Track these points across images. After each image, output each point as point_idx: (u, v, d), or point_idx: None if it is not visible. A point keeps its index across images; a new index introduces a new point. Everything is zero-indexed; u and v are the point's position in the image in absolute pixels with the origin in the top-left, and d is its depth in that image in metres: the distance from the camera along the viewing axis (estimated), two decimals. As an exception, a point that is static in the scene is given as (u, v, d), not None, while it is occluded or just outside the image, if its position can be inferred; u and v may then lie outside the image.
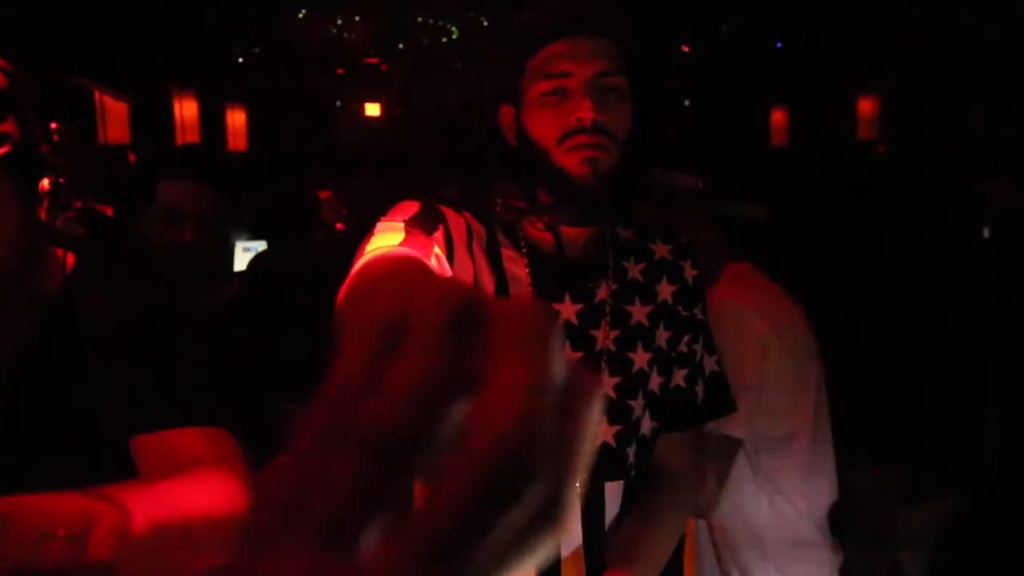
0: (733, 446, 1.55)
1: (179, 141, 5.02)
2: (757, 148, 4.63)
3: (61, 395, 1.02)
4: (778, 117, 4.49)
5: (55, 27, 3.92)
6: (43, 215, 1.05)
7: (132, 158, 5.12)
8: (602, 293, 1.22)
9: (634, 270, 1.25)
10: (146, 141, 4.83)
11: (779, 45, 4.23)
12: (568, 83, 1.11)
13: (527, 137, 1.15)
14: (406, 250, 0.79)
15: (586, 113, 1.09)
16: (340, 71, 5.66)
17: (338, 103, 5.92)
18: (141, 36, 4.37)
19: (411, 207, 1.12)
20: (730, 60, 4.19)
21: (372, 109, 6.10)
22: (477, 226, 1.20)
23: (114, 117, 4.62)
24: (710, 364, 1.29)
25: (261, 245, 2.73)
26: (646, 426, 1.23)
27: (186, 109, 5.00)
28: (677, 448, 1.27)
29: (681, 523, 1.28)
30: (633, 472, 1.22)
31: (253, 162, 5.34)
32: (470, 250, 1.17)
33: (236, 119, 5.72)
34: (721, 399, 1.30)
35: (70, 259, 1.15)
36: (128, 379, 1.03)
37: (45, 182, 1.05)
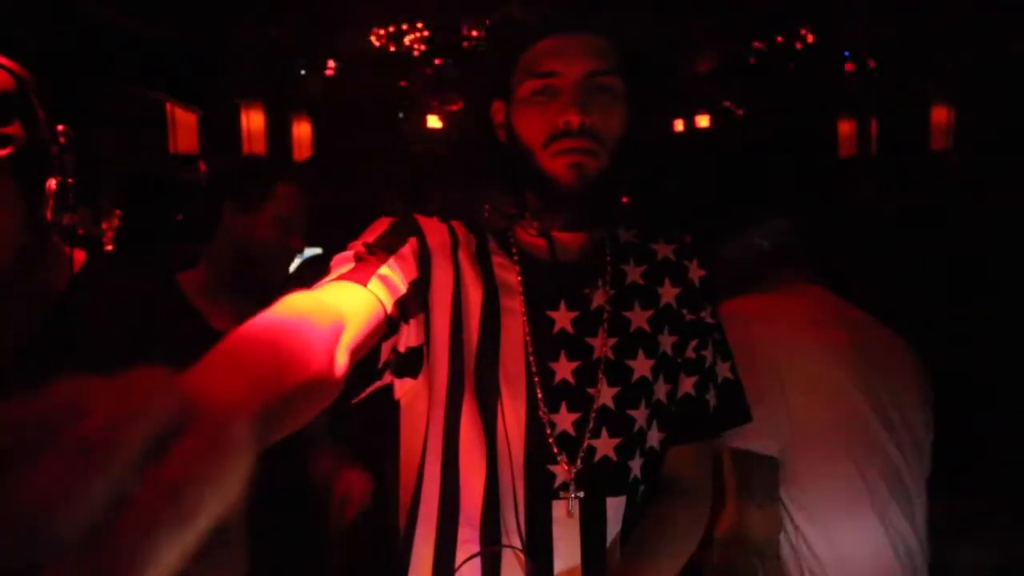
0: (761, 464, 1.45)
1: (246, 150, 5.18)
2: (824, 160, 4.48)
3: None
4: (845, 128, 4.33)
5: (127, 44, 4.09)
6: (49, 215, 1.08)
7: (203, 167, 5.32)
8: (599, 299, 1.17)
9: (634, 273, 1.19)
10: (215, 151, 5.00)
11: (847, 54, 4.09)
12: (556, 83, 1.06)
13: (515, 136, 1.10)
14: (278, 318, 0.74)
15: (573, 116, 1.04)
16: (403, 83, 5.76)
17: (400, 114, 6.02)
18: (209, 50, 4.53)
19: (381, 225, 1.11)
20: (792, 70, 4.07)
21: (434, 121, 6.17)
22: (465, 234, 1.17)
23: (184, 128, 4.80)
24: (723, 371, 1.22)
25: (312, 252, 2.79)
26: (653, 438, 1.17)
27: (253, 120, 5.16)
28: (688, 460, 1.20)
29: (692, 539, 1.20)
30: (641, 487, 1.17)
31: (318, 170, 5.47)
32: (454, 259, 1.13)
33: (302, 130, 5.87)
34: (735, 408, 1.23)
35: (80, 257, 1.18)
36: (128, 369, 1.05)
37: (52, 182, 1.07)
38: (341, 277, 0.96)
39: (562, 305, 1.14)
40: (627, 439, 1.14)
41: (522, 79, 1.09)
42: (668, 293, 1.20)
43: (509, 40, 1.11)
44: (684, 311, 1.20)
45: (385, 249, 1.04)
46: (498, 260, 1.16)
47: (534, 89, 1.08)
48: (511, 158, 1.12)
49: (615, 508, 1.13)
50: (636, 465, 1.15)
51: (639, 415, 1.15)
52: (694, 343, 1.20)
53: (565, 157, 1.06)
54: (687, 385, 1.20)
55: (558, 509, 1.10)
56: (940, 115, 4.05)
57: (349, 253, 1.03)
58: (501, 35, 1.15)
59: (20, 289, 1.09)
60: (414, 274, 1.07)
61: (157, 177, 4.29)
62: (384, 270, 1.00)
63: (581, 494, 1.10)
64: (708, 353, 1.21)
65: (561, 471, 1.10)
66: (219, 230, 1.85)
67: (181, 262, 1.92)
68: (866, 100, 4.21)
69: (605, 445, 1.13)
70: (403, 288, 1.02)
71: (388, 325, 0.97)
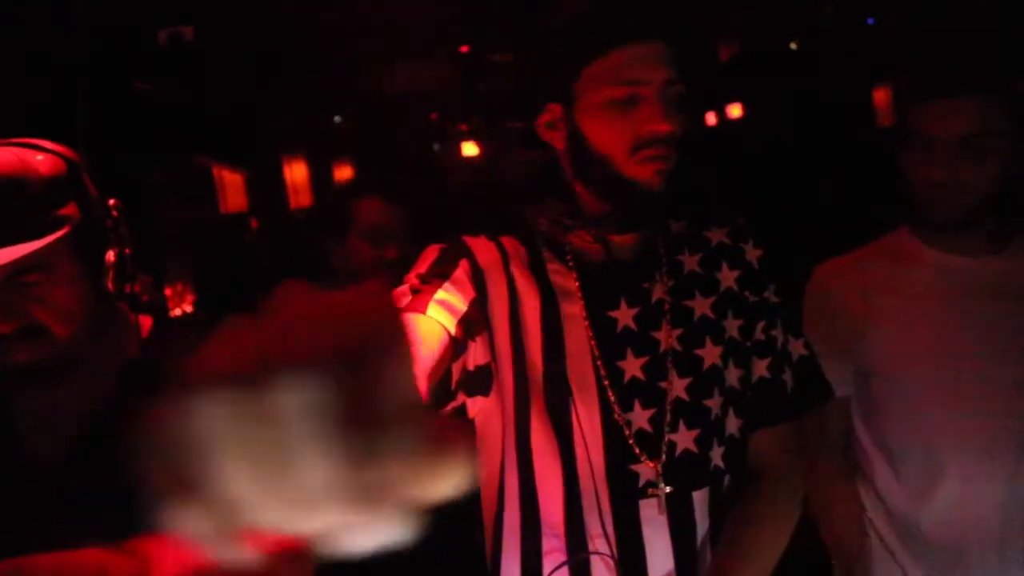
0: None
1: (292, 204, 5.34)
2: (863, 132, 4.39)
3: (139, 451, 1.11)
4: (880, 97, 4.24)
5: (176, 113, 4.29)
6: (111, 286, 1.15)
7: (254, 224, 5.50)
8: (659, 292, 1.16)
9: (690, 262, 1.19)
10: (263, 207, 5.19)
11: (871, 21, 4.02)
12: (641, 91, 1.05)
13: (585, 141, 1.09)
14: None
15: (664, 126, 1.04)
16: (434, 116, 5.86)
17: (436, 146, 6.12)
18: (251, 113, 4.71)
19: (431, 253, 1.14)
20: (823, 43, 4.02)
21: (470, 148, 6.23)
22: (515, 247, 1.18)
23: (232, 188, 4.99)
24: (797, 349, 1.21)
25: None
26: (732, 425, 1.16)
27: (296, 173, 5.32)
28: (771, 445, 1.19)
29: (788, 527, 1.18)
30: (725, 477, 1.15)
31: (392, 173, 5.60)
32: (507, 273, 1.15)
33: (344, 175, 6.02)
34: (814, 386, 1.21)
35: (146, 322, 1.25)
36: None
37: (110, 255, 1.14)
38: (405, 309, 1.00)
39: (622, 304, 1.15)
40: (705, 429, 1.14)
41: (597, 84, 1.07)
42: (727, 277, 1.19)
43: (582, 43, 1.09)
44: (746, 293, 1.19)
45: (439, 276, 1.07)
46: (553, 267, 1.17)
47: (616, 97, 1.06)
48: (572, 162, 1.12)
49: (700, 501, 1.13)
50: (717, 454, 1.14)
51: (714, 404, 1.14)
52: (762, 324, 1.19)
53: (653, 164, 1.06)
54: (761, 368, 1.19)
55: (646, 508, 1.10)
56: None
57: (405, 287, 1.06)
58: (570, 37, 1.11)
59: (92, 359, 1.16)
60: (471, 294, 1.09)
61: (217, 238, 4.48)
62: (441, 294, 1.03)
63: (668, 489, 1.10)
64: (778, 333, 1.20)
65: (645, 469, 1.11)
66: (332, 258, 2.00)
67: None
68: (898, 64, 4.12)
69: (684, 438, 1.12)
70: (463, 307, 1.05)
71: (455, 346, 1.00)
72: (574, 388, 1.11)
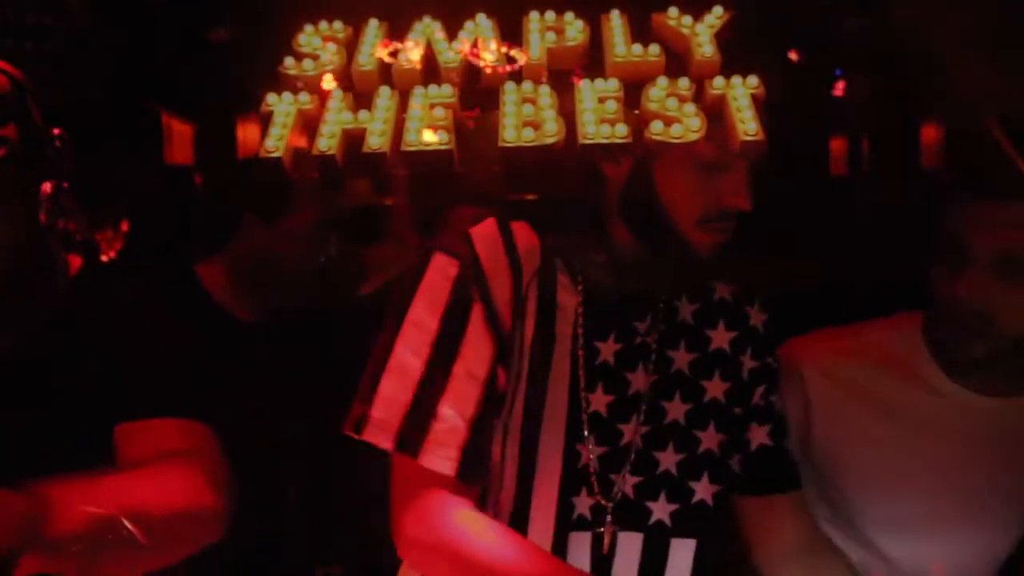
0: None
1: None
2: (816, 178, 4.51)
3: (56, 390, 1.05)
4: (837, 146, 4.36)
5: (127, 54, 4.12)
6: (43, 218, 1.09)
7: (198, 180, 5.32)
8: (647, 334, 1.14)
9: (685, 310, 1.16)
10: (209, 162, 5.00)
11: (839, 72, 4.14)
12: (727, 160, 1.04)
13: (651, 189, 1.06)
14: None
15: (745, 203, 1.03)
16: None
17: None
18: (205, 65, 4.54)
19: (438, 292, 1.07)
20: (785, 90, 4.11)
21: (428, 136, 6.12)
22: (529, 251, 1.12)
23: (179, 140, 4.81)
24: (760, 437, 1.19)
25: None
26: (701, 489, 1.13)
27: (249, 132, 5.16)
28: (779, 513, 1.19)
29: None
30: (670, 533, 1.12)
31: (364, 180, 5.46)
32: (517, 289, 1.09)
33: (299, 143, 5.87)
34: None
35: (76, 262, 1.18)
36: (120, 371, 1.06)
37: (47, 186, 1.08)
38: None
39: (610, 337, 1.12)
40: (649, 479, 1.11)
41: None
42: (721, 337, 1.17)
43: None
44: (742, 357, 1.17)
45: (452, 352, 1.03)
46: (563, 280, 1.14)
47: (707, 158, 1.04)
48: (636, 203, 1.08)
49: (632, 548, 1.10)
50: (659, 508, 1.11)
51: (666, 457, 1.12)
52: (760, 390, 1.18)
53: (717, 236, 1.05)
54: (760, 435, 1.17)
55: (576, 543, 1.08)
56: (930, 133, 4.08)
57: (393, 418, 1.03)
58: None
59: (13, 290, 1.10)
60: (492, 350, 1.05)
61: (159, 192, 4.29)
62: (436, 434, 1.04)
63: (601, 529, 1.08)
64: (777, 399, 1.19)
65: (582, 503, 1.09)
66: (240, 234, 1.82)
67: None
68: (859, 118, 4.25)
69: (624, 481, 1.11)
70: (484, 374, 1.04)
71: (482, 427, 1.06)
72: (547, 410, 1.10)
